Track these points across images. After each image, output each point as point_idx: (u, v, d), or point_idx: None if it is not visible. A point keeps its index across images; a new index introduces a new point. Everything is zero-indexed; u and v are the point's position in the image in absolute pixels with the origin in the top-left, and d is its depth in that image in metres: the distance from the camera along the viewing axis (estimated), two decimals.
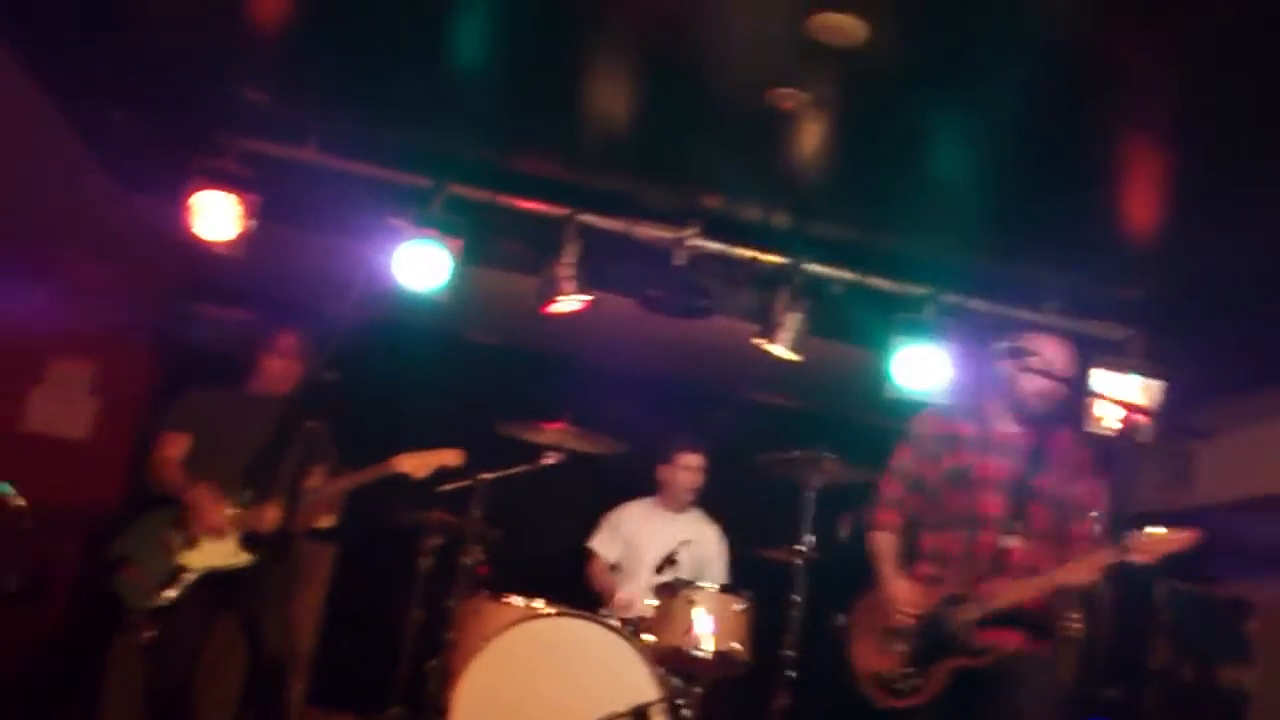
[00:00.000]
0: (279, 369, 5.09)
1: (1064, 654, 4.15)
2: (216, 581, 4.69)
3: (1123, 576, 4.01)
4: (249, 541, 4.70)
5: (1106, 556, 3.92)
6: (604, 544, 5.89)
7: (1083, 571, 3.96)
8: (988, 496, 4.25)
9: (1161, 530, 3.88)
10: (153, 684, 4.70)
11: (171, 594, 4.62)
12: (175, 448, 4.95)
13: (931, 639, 4.17)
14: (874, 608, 4.41)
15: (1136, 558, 3.87)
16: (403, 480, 4.86)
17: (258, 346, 5.15)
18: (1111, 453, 4.95)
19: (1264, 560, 6.00)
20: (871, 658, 4.34)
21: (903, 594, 4.30)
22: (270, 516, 4.65)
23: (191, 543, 4.72)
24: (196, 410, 5.04)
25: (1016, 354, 4.38)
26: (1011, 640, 4.11)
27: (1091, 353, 5.47)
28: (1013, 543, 4.12)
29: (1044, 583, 4.05)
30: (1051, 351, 4.38)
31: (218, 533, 4.70)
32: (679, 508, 5.90)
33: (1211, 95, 3.86)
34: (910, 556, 4.42)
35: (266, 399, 5.00)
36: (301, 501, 4.42)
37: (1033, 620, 4.12)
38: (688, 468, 5.84)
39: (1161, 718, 5.71)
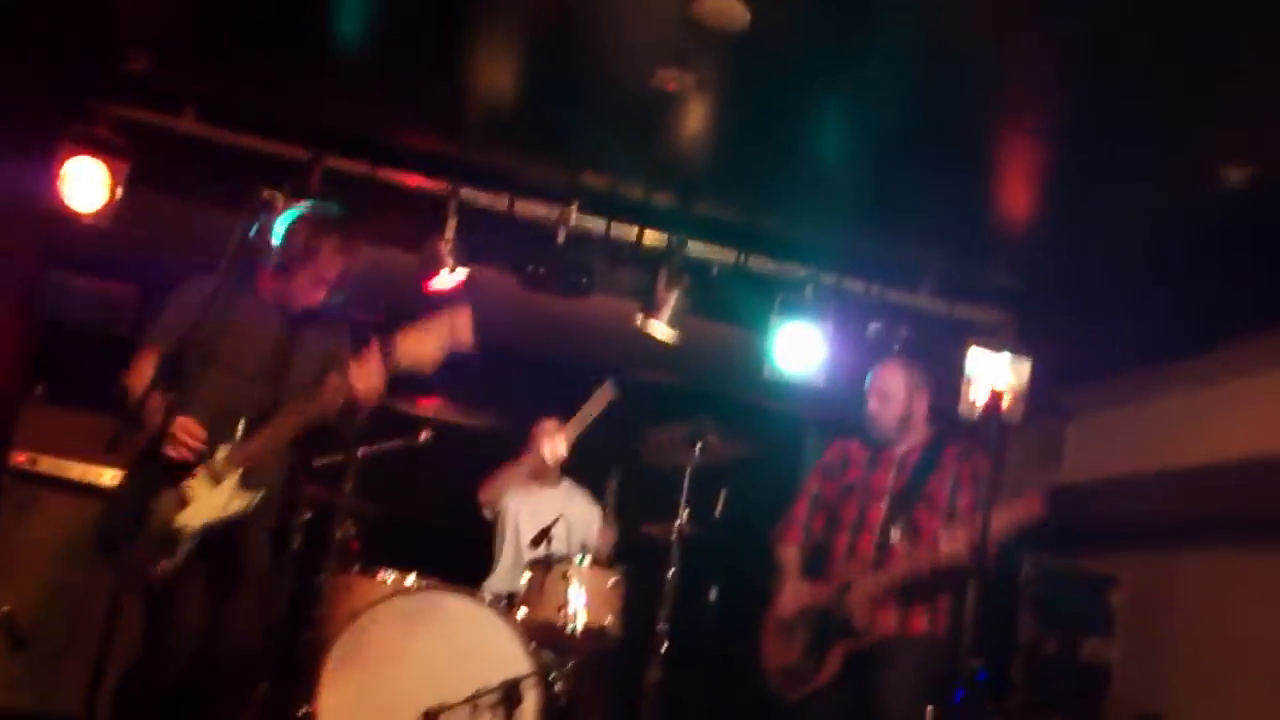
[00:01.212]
0: (317, 276, 4.32)
1: (935, 632, 4.49)
2: (212, 539, 4.14)
3: (990, 555, 4.17)
4: (250, 480, 4.17)
5: (960, 536, 4.20)
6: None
7: (951, 545, 4.22)
8: (873, 505, 4.62)
9: (1007, 505, 4.18)
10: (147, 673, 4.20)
11: (167, 564, 4.07)
12: (145, 369, 4.17)
13: (821, 625, 4.55)
14: (779, 611, 4.76)
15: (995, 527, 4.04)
16: None
17: (302, 239, 4.31)
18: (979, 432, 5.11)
19: (1128, 535, 6.18)
20: (777, 654, 4.72)
21: (789, 593, 4.74)
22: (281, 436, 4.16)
23: (183, 500, 4.13)
24: (197, 312, 4.06)
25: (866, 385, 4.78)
26: (888, 621, 4.46)
27: (966, 334, 5.61)
28: (894, 539, 4.41)
29: (913, 561, 4.36)
30: (884, 380, 4.74)
31: (192, 452, 4.07)
32: (551, 480, 5.89)
33: (1084, 89, 3.99)
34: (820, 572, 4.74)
35: (279, 311, 4.36)
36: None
37: (907, 600, 4.46)
38: (546, 433, 5.82)
39: (1026, 690, 5.86)
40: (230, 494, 4.19)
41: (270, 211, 4.66)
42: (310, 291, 4.35)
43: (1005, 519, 4.13)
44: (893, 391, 4.70)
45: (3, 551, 5.80)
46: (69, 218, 5.03)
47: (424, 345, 4.12)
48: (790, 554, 4.87)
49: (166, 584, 4.13)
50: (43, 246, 6.49)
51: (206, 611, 4.27)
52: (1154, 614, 5.74)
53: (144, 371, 4.18)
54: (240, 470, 4.19)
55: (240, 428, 4.21)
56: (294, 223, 4.38)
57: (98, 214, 5.03)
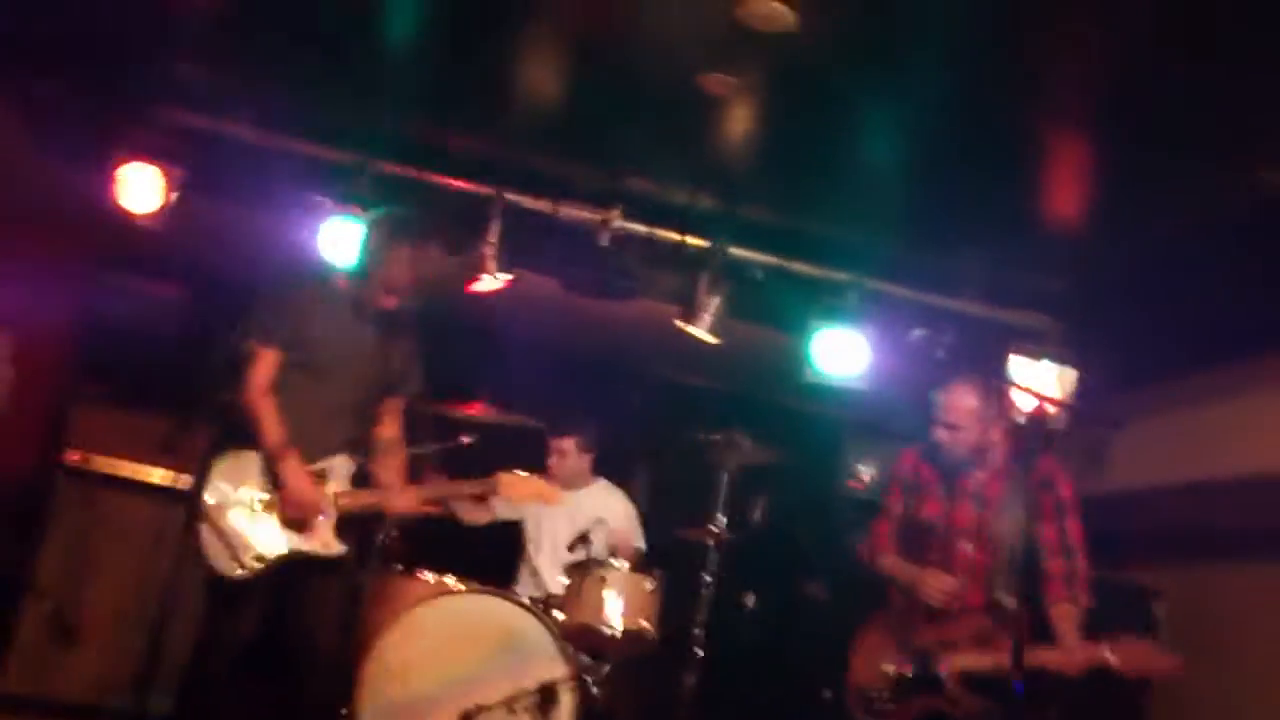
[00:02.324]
0: (390, 282, 4.44)
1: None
2: (297, 565, 4.24)
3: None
4: (348, 528, 4.33)
5: (1089, 656, 4.05)
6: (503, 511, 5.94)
7: (1064, 662, 4.08)
8: (958, 546, 4.39)
9: (1145, 644, 4.06)
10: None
11: (243, 572, 4.15)
12: (265, 369, 4.27)
13: (917, 674, 4.29)
14: (884, 627, 4.53)
15: (1114, 663, 3.98)
16: None
17: (376, 246, 4.44)
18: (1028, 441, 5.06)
19: (1173, 546, 6.11)
20: (864, 672, 4.48)
21: (934, 582, 4.36)
22: (392, 505, 4.44)
23: (286, 518, 4.25)
24: (293, 316, 4.34)
25: (930, 410, 4.50)
26: (979, 703, 4.19)
27: (1010, 341, 5.58)
28: (1001, 596, 4.19)
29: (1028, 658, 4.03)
30: (954, 409, 4.44)
31: (306, 526, 4.24)
32: (581, 484, 5.90)
33: (1131, 89, 3.95)
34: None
35: (367, 309, 4.43)
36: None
37: (1002, 688, 4.09)
38: (558, 452, 5.81)
39: (1065, 702, 5.81)
40: (329, 534, 4.34)
41: (322, 215, 4.82)
42: (384, 297, 4.47)
43: (1132, 662, 4.01)
44: (964, 422, 4.41)
45: (56, 547, 5.92)
46: (123, 222, 5.10)
47: (519, 494, 4.79)
48: (892, 559, 4.57)
49: (239, 588, 4.21)
50: (97, 250, 6.63)
51: (259, 623, 4.34)
52: (1199, 627, 5.66)
53: (265, 373, 4.30)
54: (340, 515, 4.33)
55: (347, 467, 4.36)
56: (370, 229, 4.53)
57: (151, 218, 5.11)
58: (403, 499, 4.54)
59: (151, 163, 5.05)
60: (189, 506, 4.08)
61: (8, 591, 5.92)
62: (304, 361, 4.32)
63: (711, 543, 5.09)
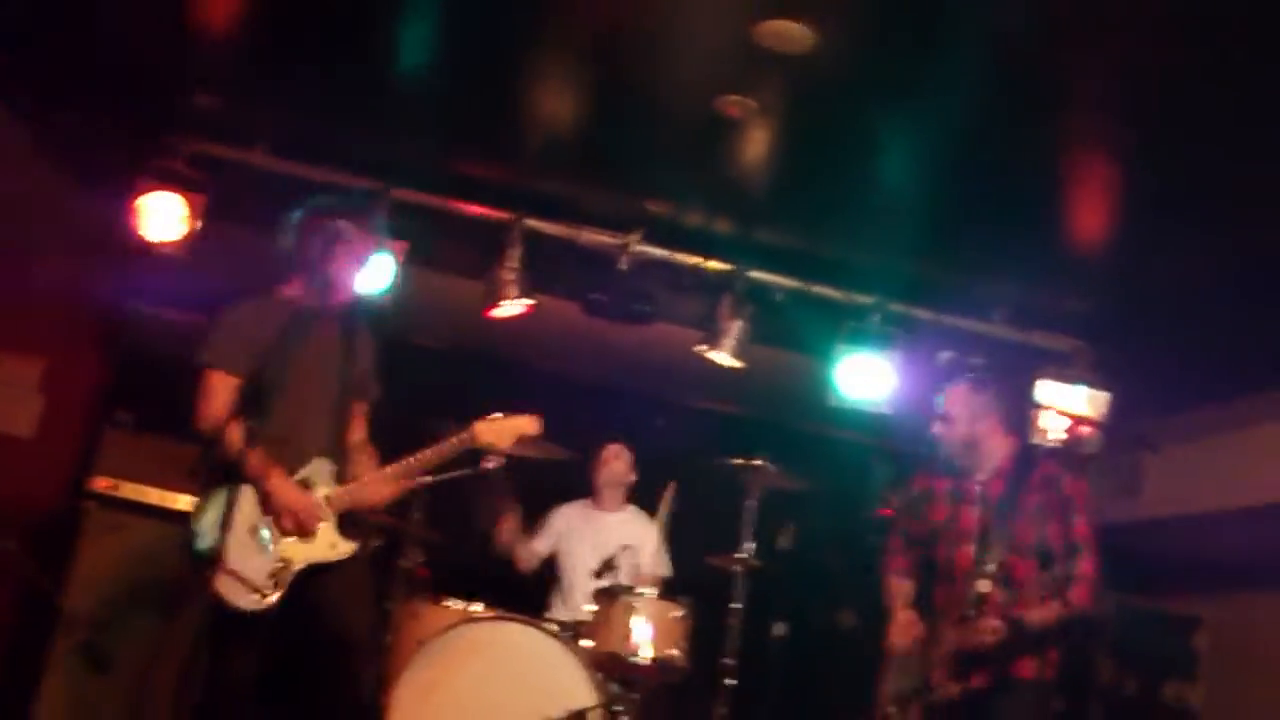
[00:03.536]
0: (353, 266, 4.35)
1: (1043, 677, 4.25)
2: (315, 574, 4.17)
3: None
4: (349, 526, 4.23)
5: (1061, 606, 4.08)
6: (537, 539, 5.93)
7: (1041, 616, 4.11)
8: (961, 549, 4.36)
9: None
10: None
11: (272, 597, 4.08)
12: (224, 396, 4.13)
13: (913, 677, 4.34)
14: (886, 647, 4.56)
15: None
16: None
17: (316, 239, 4.24)
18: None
19: (1213, 575, 5.99)
20: (885, 689, 4.50)
21: (895, 629, 4.48)
22: (381, 492, 4.31)
23: (286, 532, 4.16)
24: (249, 333, 4.21)
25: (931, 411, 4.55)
26: (978, 679, 4.20)
27: (1038, 364, 5.49)
28: (985, 588, 4.14)
29: (996, 635, 4.12)
30: (947, 402, 4.50)
31: (309, 533, 4.15)
32: (613, 506, 5.88)
33: (1159, 111, 3.89)
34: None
35: (323, 313, 4.29)
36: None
37: (995, 659, 4.20)
38: (616, 458, 5.86)
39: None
40: (334, 535, 4.23)
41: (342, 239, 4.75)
42: (334, 293, 4.33)
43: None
44: (955, 413, 4.46)
45: (85, 575, 5.94)
46: (147, 251, 5.13)
47: (498, 436, 4.48)
48: (896, 585, 4.62)
49: (251, 617, 4.11)
50: (122, 279, 6.68)
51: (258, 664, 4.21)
52: (1239, 657, 5.56)
53: (224, 399, 4.15)
54: (337, 515, 4.23)
55: (327, 468, 4.26)
56: (302, 223, 4.34)
57: (175, 246, 5.13)
58: (382, 488, 4.38)
59: (173, 191, 5.08)
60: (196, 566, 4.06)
61: (38, 620, 5.95)
62: (270, 378, 4.10)
63: (740, 570, 5.04)
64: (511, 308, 5.28)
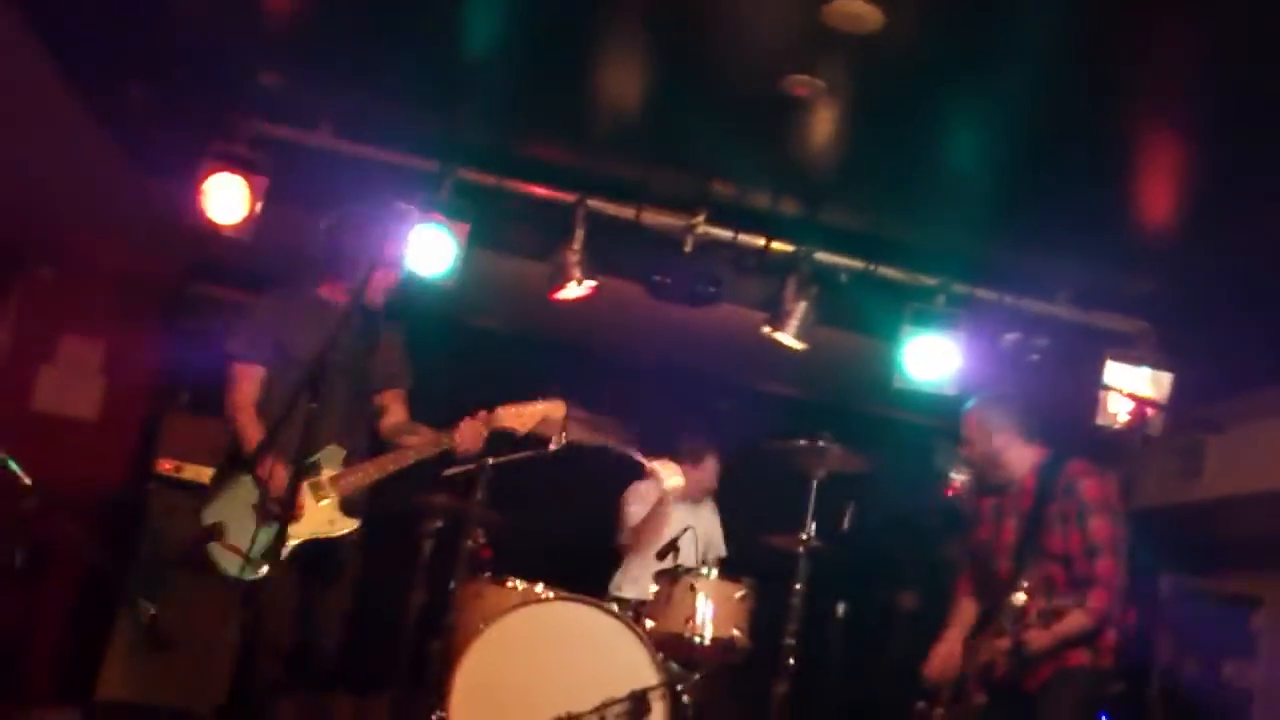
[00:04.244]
0: (387, 272, 4.51)
1: (1098, 664, 4.25)
2: (311, 552, 4.31)
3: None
4: (350, 507, 4.38)
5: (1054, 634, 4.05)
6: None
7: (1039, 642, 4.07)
8: (1003, 562, 4.39)
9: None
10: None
11: (264, 569, 4.12)
12: (248, 386, 4.41)
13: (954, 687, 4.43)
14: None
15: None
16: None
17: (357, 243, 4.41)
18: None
19: (1272, 555, 5.96)
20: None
21: (934, 657, 4.57)
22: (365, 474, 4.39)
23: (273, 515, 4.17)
24: (273, 328, 4.43)
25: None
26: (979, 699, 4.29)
27: (1104, 345, 5.46)
28: (1020, 601, 4.09)
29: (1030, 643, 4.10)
30: (966, 427, 4.56)
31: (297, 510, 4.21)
32: (699, 500, 5.93)
33: (1231, 88, 3.84)
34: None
35: (350, 309, 4.32)
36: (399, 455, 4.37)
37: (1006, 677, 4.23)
38: (707, 460, 5.92)
39: (1164, 713, 5.68)
40: (335, 513, 4.37)
41: (408, 223, 4.81)
42: (375, 295, 4.49)
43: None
44: (970, 435, 4.54)
45: (148, 555, 6.00)
46: (211, 232, 5.16)
47: (520, 420, 4.61)
48: (959, 605, 4.69)
49: (261, 589, 4.20)
50: (185, 260, 6.73)
51: (292, 619, 4.40)
52: None
53: (248, 390, 4.42)
54: (341, 494, 4.37)
55: (338, 453, 4.38)
56: (342, 227, 4.53)
57: (238, 228, 5.16)
58: (466, 433, 4.50)
59: (236, 173, 5.10)
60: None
61: (103, 599, 6.02)
62: (292, 370, 4.28)
63: (801, 551, 5.04)
64: (576, 289, 5.28)
